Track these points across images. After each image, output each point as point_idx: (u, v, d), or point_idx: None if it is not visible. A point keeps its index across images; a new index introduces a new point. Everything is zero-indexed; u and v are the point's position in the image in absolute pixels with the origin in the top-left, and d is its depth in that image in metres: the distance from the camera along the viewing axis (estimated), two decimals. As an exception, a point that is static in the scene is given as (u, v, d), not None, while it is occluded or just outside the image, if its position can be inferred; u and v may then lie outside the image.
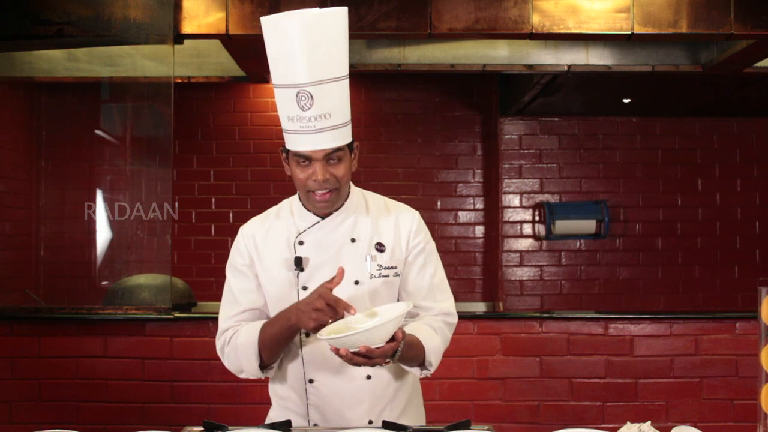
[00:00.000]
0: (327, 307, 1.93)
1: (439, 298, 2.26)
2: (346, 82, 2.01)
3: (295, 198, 2.22)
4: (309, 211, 2.16)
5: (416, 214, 2.27)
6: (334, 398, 2.14)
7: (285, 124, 2.01)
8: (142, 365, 3.98)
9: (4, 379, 3.98)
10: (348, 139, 2.06)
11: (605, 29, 4.02)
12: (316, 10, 1.90)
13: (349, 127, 2.06)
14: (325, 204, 2.08)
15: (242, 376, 2.18)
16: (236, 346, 2.12)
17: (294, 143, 2.02)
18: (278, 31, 1.92)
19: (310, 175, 2.02)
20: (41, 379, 3.98)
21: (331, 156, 2.01)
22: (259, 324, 2.12)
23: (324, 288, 1.96)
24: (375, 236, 2.17)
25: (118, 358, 3.98)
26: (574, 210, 6.50)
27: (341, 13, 1.96)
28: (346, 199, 2.17)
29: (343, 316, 1.93)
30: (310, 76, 1.92)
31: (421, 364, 2.12)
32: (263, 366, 2.14)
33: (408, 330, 2.05)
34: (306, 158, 2.02)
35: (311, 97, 1.93)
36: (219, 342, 2.20)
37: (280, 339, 2.09)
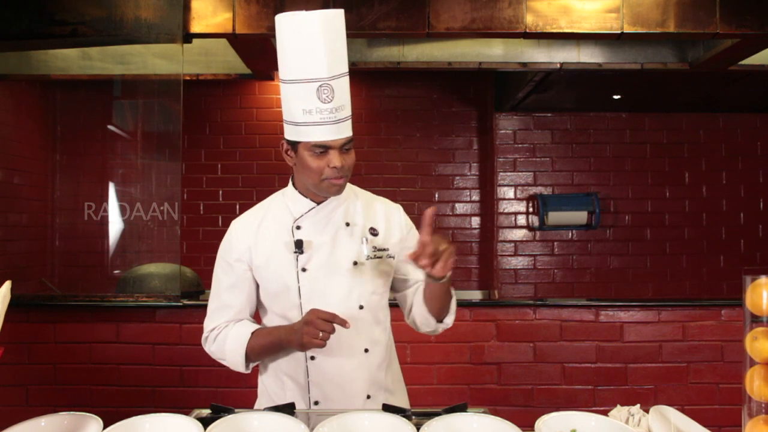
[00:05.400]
0: (318, 320, 2.00)
1: None
2: (348, 77, 2.13)
3: (287, 188, 2.31)
4: (305, 197, 2.24)
5: (400, 207, 2.41)
6: (335, 373, 2.21)
7: (299, 117, 2.04)
8: (153, 350, 4.04)
9: (21, 364, 4.04)
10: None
11: (596, 29, 4.03)
12: (333, 11, 2.02)
13: None
14: (339, 189, 2.16)
15: (224, 363, 2.29)
16: (223, 349, 2.25)
17: (312, 134, 2.04)
18: (298, 27, 1.99)
19: (327, 163, 2.08)
20: (56, 363, 4.04)
21: (345, 144, 2.10)
22: (248, 332, 2.22)
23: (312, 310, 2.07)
24: (368, 222, 2.29)
25: (130, 344, 4.04)
26: (566, 202, 6.52)
27: (342, 14, 2.09)
28: None
29: (333, 331, 2.02)
30: (330, 71, 2.00)
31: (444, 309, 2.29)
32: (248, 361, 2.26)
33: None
34: (323, 147, 2.06)
35: (333, 90, 2.01)
36: (204, 335, 2.32)
37: (269, 352, 2.23)
